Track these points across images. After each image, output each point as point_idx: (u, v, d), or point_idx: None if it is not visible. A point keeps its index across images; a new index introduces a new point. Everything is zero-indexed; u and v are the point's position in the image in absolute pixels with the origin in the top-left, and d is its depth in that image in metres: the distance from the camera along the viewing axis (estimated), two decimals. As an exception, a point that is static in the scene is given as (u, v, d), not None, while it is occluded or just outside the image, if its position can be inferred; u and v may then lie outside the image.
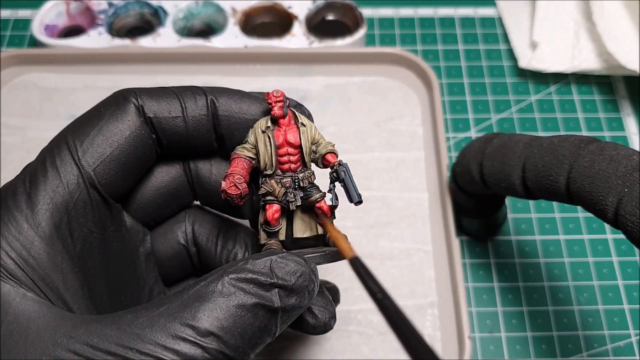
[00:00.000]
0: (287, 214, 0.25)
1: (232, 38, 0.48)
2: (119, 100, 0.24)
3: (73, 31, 0.50)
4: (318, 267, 0.23)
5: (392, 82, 0.46)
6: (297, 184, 0.24)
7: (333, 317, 0.25)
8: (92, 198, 0.22)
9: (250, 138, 0.24)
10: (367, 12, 0.52)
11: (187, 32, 0.50)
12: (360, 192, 0.24)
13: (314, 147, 0.25)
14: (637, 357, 0.37)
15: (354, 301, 0.38)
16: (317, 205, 0.24)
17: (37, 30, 0.48)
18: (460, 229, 0.41)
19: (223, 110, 0.24)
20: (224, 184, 0.23)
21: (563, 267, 0.40)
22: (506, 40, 0.51)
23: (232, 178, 0.23)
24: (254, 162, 0.24)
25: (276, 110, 0.23)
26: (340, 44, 0.47)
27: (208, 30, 0.51)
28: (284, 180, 0.24)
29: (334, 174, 0.24)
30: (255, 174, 0.25)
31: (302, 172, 0.24)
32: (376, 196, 0.41)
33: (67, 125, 0.24)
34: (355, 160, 0.43)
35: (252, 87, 0.46)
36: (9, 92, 0.46)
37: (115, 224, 0.24)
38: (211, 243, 0.27)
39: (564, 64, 0.47)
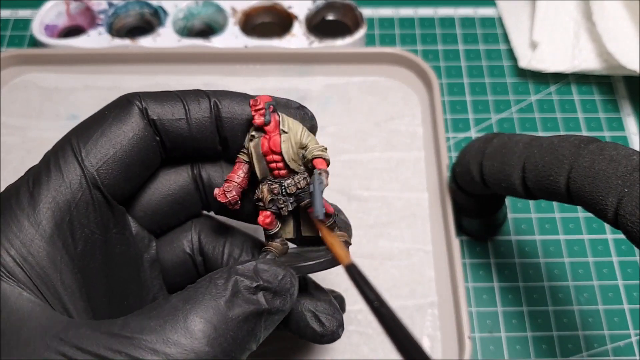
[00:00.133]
0: (294, 212, 0.25)
1: (232, 38, 0.48)
2: (123, 104, 0.24)
3: (73, 31, 0.50)
4: (320, 272, 0.23)
5: (392, 82, 0.46)
6: (284, 190, 0.24)
7: (341, 325, 0.25)
8: (95, 198, 0.22)
9: (245, 143, 0.25)
10: (367, 12, 0.52)
11: (187, 32, 0.50)
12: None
13: (302, 152, 0.24)
14: (637, 357, 0.37)
15: (354, 301, 0.38)
16: (309, 210, 0.24)
17: (37, 30, 0.48)
18: (460, 229, 0.41)
19: (226, 112, 0.24)
20: (216, 191, 0.24)
21: (563, 267, 0.40)
22: (506, 40, 0.51)
23: (224, 185, 0.24)
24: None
25: (256, 119, 0.23)
26: (340, 44, 0.47)
27: (208, 30, 0.51)
28: (273, 186, 0.24)
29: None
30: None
31: (289, 179, 0.24)
32: (376, 196, 0.41)
33: (72, 129, 0.24)
34: (355, 160, 0.43)
35: (252, 87, 0.46)
36: (9, 92, 0.46)
37: (118, 227, 0.24)
38: (217, 252, 0.27)
39: (564, 64, 0.47)
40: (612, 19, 0.46)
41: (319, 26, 0.50)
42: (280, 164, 0.24)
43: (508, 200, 0.42)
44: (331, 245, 0.22)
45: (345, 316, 0.37)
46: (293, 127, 0.23)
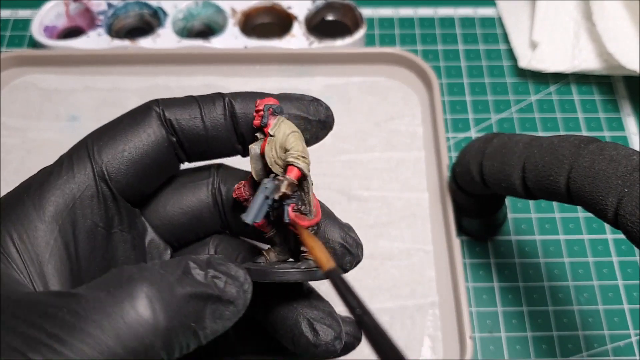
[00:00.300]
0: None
1: (231, 39, 0.48)
2: (142, 108, 0.24)
3: (72, 32, 0.50)
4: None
5: (392, 82, 0.46)
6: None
7: (338, 338, 0.23)
8: (100, 191, 0.23)
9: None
10: (366, 12, 0.52)
11: (186, 32, 0.50)
12: (256, 217, 0.22)
13: (284, 156, 0.23)
14: (637, 357, 0.37)
15: (354, 301, 0.38)
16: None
17: (36, 31, 0.48)
18: (460, 229, 0.41)
19: (240, 109, 0.24)
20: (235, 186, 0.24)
21: (563, 267, 0.40)
22: (506, 40, 0.51)
23: (240, 183, 0.24)
24: None
25: (255, 121, 0.23)
26: (340, 44, 0.47)
27: (208, 31, 0.51)
28: None
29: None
30: None
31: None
32: (376, 196, 0.41)
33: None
34: (355, 160, 0.43)
35: (252, 87, 0.46)
36: (9, 93, 0.46)
37: (124, 225, 0.24)
38: None
39: (564, 64, 0.47)
40: (612, 19, 0.46)
41: (318, 26, 0.50)
42: (268, 167, 0.23)
43: (508, 200, 0.42)
44: (311, 248, 0.21)
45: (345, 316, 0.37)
46: (282, 131, 0.23)
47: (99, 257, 0.23)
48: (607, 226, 0.42)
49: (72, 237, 0.22)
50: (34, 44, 0.49)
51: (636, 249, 0.40)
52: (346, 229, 0.24)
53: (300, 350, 0.23)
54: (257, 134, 0.24)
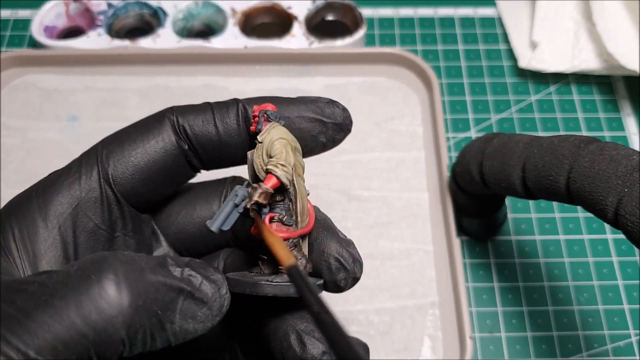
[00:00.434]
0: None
1: (231, 39, 0.48)
2: (156, 116, 0.24)
3: (72, 32, 0.50)
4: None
5: (392, 82, 0.46)
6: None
7: (327, 352, 0.22)
8: (105, 195, 0.23)
9: None
10: (366, 12, 0.52)
11: (186, 32, 0.50)
12: (222, 225, 0.21)
13: (267, 162, 0.23)
14: (637, 357, 0.37)
15: (356, 301, 0.38)
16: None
17: (36, 31, 0.48)
18: (460, 229, 0.41)
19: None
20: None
21: (563, 267, 0.40)
22: (506, 40, 0.51)
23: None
24: None
25: (252, 127, 0.23)
26: (340, 44, 0.47)
27: (208, 31, 0.51)
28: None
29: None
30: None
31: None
32: (376, 196, 0.41)
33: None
34: (355, 160, 0.43)
35: (252, 87, 0.46)
36: (9, 93, 0.46)
37: (128, 229, 0.24)
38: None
39: (564, 64, 0.47)
40: (612, 19, 0.46)
41: (318, 26, 0.50)
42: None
43: (508, 200, 0.42)
44: (271, 245, 0.21)
45: (346, 317, 0.37)
46: (269, 137, 0.22)
47: None
48: (607, 226, 0.42)
49: (72, 237, 0.22)
50: (34, 44, 0.49)
51: (636, 249, 0.40)
52: (345, 243, 0.23)
53: None
54: (256, 140, 0.24)
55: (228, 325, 0.25)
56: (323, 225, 0.23)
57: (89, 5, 0.50)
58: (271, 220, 0.22)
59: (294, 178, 0.22)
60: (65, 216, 0.22)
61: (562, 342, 0.37)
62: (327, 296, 0.25)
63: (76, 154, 0.24)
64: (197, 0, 0.50)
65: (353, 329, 0.37)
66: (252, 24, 0.51)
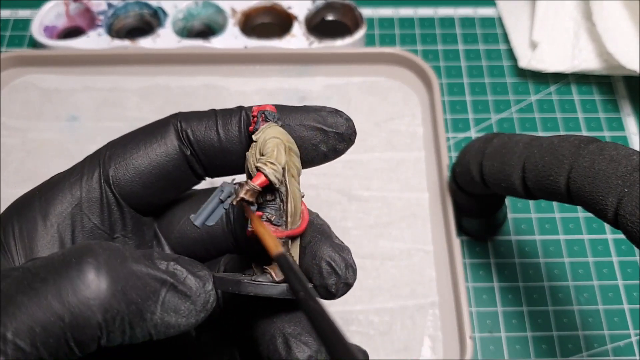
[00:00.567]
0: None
1: (231, 39, 0.48)
2: (161, 122, 0.24)
3: (72, 32, 0.50)
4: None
5: (392, 82, 0.46)
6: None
7: (313, 357, 0.21)
8: (105, 196, 0.23)
9: None
10: (367, 12, 0.52)
11: (186, 32, 0.50)
12: (205, 220, 0.21)
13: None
14: (637, 357, 0.37)
15: (355, 301, 0.38)
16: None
17: (36, 31, 0.48)
18: (460, 229, 0.41)
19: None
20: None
21: (563, 267, 0.40)
22: (506, 40, 0.51)
23: None
24: None
25: (250, 127, 0.23)
26: (340, 44, 0.47)
27: (208, 31, 0.51)
28: None
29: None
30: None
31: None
32: (376, 196, 0.41)
33: None
34: (355, 160, 0.43)
35: (252, 87, 0.46)
36: (9, 93, 0.46)
37: (127, 231, 0.24)
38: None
39: (564, 64, 0.47)
40: (612, 19, 0.46)
41: (318, 26, 0.50)
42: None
43: (508, 200, 0.42)
44: (261, 235, 0.21)
45: (346, 317, 0.37)
46: (263, 136, 0.22)
47: None
48: (607, 226, 0.42)
49: (70, 236, 0.22)
50: (34, 44, 0.49)
51: (636, 249, 0.40)
52: (338, 248, 0.22)
53: None
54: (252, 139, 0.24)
55: (228, 330, 0.25)
56: (318, 230, 0.23)
57: (89, 5, 0.50)
58: (254, 228, 0.21)
59: (286, 178, 0.22)
60: (64, 215, 0.22)
61: (562, 342, 0.37)
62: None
63: (76, 153, 0.24)
64: (197, 0, 0.50)
65: (353, 329, 0.37)
66: (252, 24, 0.51)
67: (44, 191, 0.23)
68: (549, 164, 0.29)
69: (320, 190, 0.42)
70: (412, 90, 0.46)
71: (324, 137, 0.23)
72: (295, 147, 0.23)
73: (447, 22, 0.52)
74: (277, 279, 0.21)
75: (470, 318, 0.37)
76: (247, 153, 0.23)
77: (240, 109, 0.24)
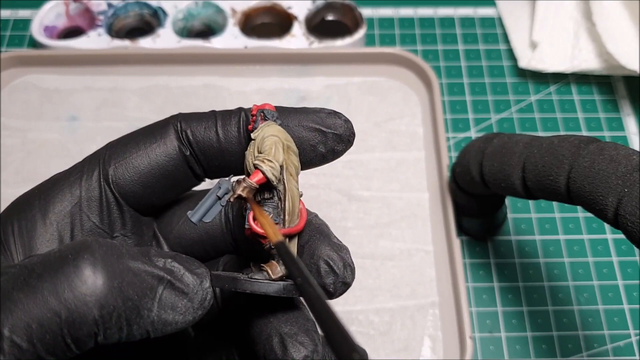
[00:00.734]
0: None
1: (231, 39, 0.48)
2: (161, 123, 0.24)
3: (72, 32, 0.50)
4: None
5: (392, 82, 0.46)
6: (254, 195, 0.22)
7: (309, 357, 0.21)
8: (104, 195, 0.23)
9: None
10: (366, 12, 0.52)
11: (186, 32, 0.50)
12: (201, 217, 0.21)
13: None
14: (637, 357, 0.37)
15: (355, 301, 0.38)
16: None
17: (36, 31, 0.48)
18: (460, 229, 0.41)
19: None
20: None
21: (563, 267, 0.40)
22: (506, 40, 0.51)
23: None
24: None
25: (249, 126, 0.23)
26: (340, 44, 0.47)
27: (208, 31, 0.51)
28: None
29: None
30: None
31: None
32: (376, 196, 0.41)
33: None
34: (355, 160, 0.43)
35: (252, 87, 0.46)
36: (9, 93, 0.46)
37: (127, 230, 0.24)
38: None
39: (563, 64, 0.47)
40: (612, 19, 0.46)
41: (318, 26, 0.50)
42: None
43: (508, 200, 0.42)
44: (262, 223, 0.21)
45: (346, 317, 0.37)
46: (262, 134, 0.22)
47: None
48: (607, 226, 0.42)
49: (69, 235, 0.22)
50: (34, 44, 0.49)
51: (636, 249, 0.40)
52: (337, 248, 0.22)
53: None
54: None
55: (226, 330, 0.25)
56: (317, 229, 0.23)
57: (89, 5, 0.50)
58: (254, 216, 0.21)
59: (284, 176, 0.22)
60: (64, 214, 0.22)
61: (562, 342, 0.37)
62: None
63: (76, 154, 0.24)
64: (197, 0, 0.50)
65: (353, 329, 0.37)
66: (252, 24, 0.51)
67: (44, 190, 0.23)
68: (549, 164, 0.29)
69: (320, 190, 0.42)
70: (412, 90, 0.46)
71: (323, 138, 0.23)
72: (293, 146, 0.23)
73: (447, 22, 0.52)
74: (273, 277, 0.21)
75: (470, 318, 0.37)
76: (245, 152, 0.23)
77: (239, 110, 0.24)
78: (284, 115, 0.24)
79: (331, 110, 0.24)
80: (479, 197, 0.37)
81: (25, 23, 0.52)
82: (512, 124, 0.46)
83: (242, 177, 0.21)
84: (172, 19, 0.49)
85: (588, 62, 0.47)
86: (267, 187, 0.21)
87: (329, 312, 0.16)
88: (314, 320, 0.18)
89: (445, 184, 0.40)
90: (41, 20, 0.49)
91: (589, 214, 0.37)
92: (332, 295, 0.22)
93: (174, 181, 0.24)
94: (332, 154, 0.24)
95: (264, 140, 0.22)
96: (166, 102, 0.45)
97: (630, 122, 0.46)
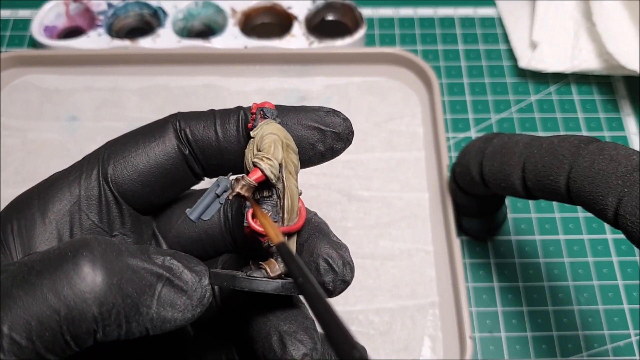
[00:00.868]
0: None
1: (231, 39, 0.48)
2: (160, 122, 0.24)
3: (72, 32, 0.50)
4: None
5: (392, 82, 0.46)
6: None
7: (308, 355, 0.21)
8: (103, 194, 0.23)
9: None
10: (366, 12, 0.52)
11: (186, 32, 0.50)
12: (200, 215, 0.21)
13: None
14: (637, 357, 0.37)
15: (355, 301, 0.38)
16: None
17: (36, 31, 0.48)
18: (460, 229, 0.41)
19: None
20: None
21: (563, 267, 0.40)
22: (506, 40, 0.51)
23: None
24: None
25: (249, 124, 0.23)
26: (340, 44, 0.47)
27: (208, 31, 0.51)
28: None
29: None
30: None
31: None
32: (376, 196, 0.41)
33: None
34: (355, 160, 0.43)
35: (252, 87, 0.46)
36: (9, 93, 0.46)
37: (126, 229, 0.24)
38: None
39: (563, 64, 0.47)
40: (612, 19, 0.46)
41: (318, 26, 0.50)
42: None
43: (508, 200, 0.42)
44: (262, 223, 0.21)
45: (346, 317, 0.37)
46: (261, 132, 0.22)
47: None
48: (607, 226, 0.42)
49: (68, 234, 0.22)
50: (34, 44, 0.49)
51: (636, 249, 0.40)
52: (336, 246, 0.22)
53: None
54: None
55: (226, 329, 0.25)
56: (316, 228, 0.23)
57: (89, 5, 0.50)
58: (254, 215, 0.21)
59: (283, 174, 0.22)
60: (63, 213, 0.22)
61: (562, 342, 0.37)
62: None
63: (76, 153, 0.24)
64: (197, 0, 0.50)
65: (353, 329, 0.37)
66: (252, 24, 0.51)
67: (43, 189, 0.23)
68: (549, 164, 0.29)
69: (320, 190, 0.42)
70: (412, 90, 0.46)
71: (322, 136, 0.24)
72: (293, 144, 0.23)
73: (447, 22, 0.52)
74: (272, 275, 0.21)
75: (470, 318, 0.37)
76: (245, 150, 0.23)
77: (238, 109, 0.24)
78: (283, 113, 0.24)
79: (330, 108, 0.24)
80: (479, 197, 0.37)
81: (25, 23, 0.52)
82: (512, 124, 0.46)
83: (241, 175, 0.21)
84: (172, 19, 0.49)
85: (588, 62, 0.47)
86: (266, 185, 0.21)
87: (329, 309, 0.16)
88: (314, 318, 0.18)
89: (445, 184, 0.40)
90: (41, 20, 0.49)
91: (589, 214, 0.37)
92: (332, 293, 0.22)
93: (172, 180, 0.24)
94: (330, 153, 0.24)
95: (263, 138, 0.22)
96: (166, 102, 0.45)
97: (630, 122, 0.46)
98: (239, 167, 0.24)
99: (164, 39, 0.48)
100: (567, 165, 0.28)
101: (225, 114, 0.24)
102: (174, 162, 0.24)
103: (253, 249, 0.24)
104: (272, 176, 0.21)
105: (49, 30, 0.49)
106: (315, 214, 0.24)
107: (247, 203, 0.21)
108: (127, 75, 0.47)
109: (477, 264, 0.40)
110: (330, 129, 0.24)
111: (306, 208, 0.23)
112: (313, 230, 0.23)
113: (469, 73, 0.49)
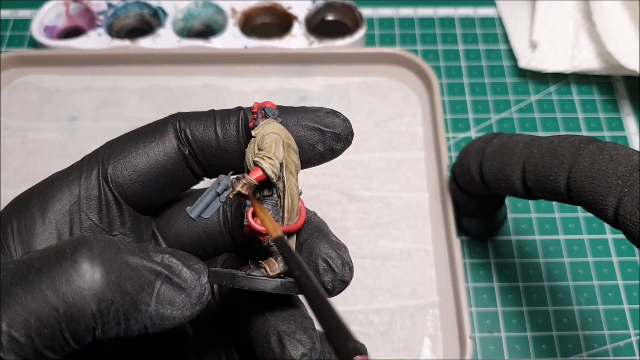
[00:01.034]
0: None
1: (231, 39, 0.48)
2: (160, 122, 0.24)
3: (72, 32, 0.50)
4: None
5: (392, 82, 0.46)
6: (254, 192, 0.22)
7: (307, 355, 0.21)
8: (103, 193, 0.23)
9: None
10: (366, 12, 0.52)
11: (186, 32, 0.50)
12: (200, 212, 0.21)
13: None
14: (637, 357, 0.37)
15: (355, 301, 0.38)
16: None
17: (36, 31, 0.48)
18: (460, 229, 0.41)
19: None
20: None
21: (563, 267, 0.40)
22: (506, 40, 0.51)
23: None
24: None
25: (250, 123, 0.23)
26: (340, 44, 0.47)
27: (208, 31, 0.51)
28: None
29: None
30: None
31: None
32: (376, 196, 0.41)
33: None
34: (355, 160, 0.43)
35: (252, 87, 0.46)
36: (9, 93, 0.46)
37: (126, 228, 0.24)
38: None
39: (563, 64, 0.47)
40: (612, 19, 0.46)
41: (318, 26, 0.50)
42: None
43: (508, 200, 0.42)
44: (263, 220, 0.21)
45: (346, 317, 0.37)
46: (262, 131, 0.22)
47: None
48: (607, 226, 0.42)
49: (68, 234, 0.22)
50: (34, 44, 0.49)
51: (636, 249, 0.40)
52: (336, 246, 0.22)
53: None
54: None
55: (225, 328, 0.25)
56: (316, 227, 0.23)
57: (89, 5, 0.50)
58: (254, 214, 0.21)
59: (284, 174, 0.22)
60: (63, 212, 0.22)
61: (562, 342, 0.37)
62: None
63: (76, 154, 0.24)
64: (197, 0, 0.50)
65: (353, 329, 0.37)
66: (252, 24, 0.51)
67: (43, 189, 0.23)
68: (549, 164, 0.29)
69: (320, 190, 0.42)
70: (412, 90, 0.46)
71: (321, 137, 0.24)
72: (294, 144, 0.23)
73: (447, 22, 0.52)
74: (271, 274, 0.21)
75: (470, 318, 0.37)
76: (245, 149, 0.23)
77: (238, 109, 0.24)
78: (283, 114, 0.24)
79: (330, 109, 0.24)
80: (479, 197, 0.37)
81: (25, 23, 0.52)
82: (512, 124, 0.46)
83: (242, 174, 0.21)
84: (172, 19, 0.49)
85: (588, 62, 0.47)
86: (266, 185, 0.21)
87: (328, 307, 0.16)
88: (313, 317, 0.18)
89: (445, 184, 0.40)
90: (41, 20, 0.49)
91: (589, 214, 0.37)
92: (331, 293, 0.22)
93: (172, 180, 0.24)
94: (330, 153, 0.24)
95: (264, 137, 0.22)
96: (166, 102, 0.45)
97: (630, 122, 0.46)
98: (239, 167, 0.24)
99: (164, 39, 0.48)
100: (567, 165, 0.28)
101: (225, 114, 0.24)
102: (174, 162, 0.24)
103: (252, 249, 0.24)
104: (272, 175, 0.21)
105: (49, 30, 0.49)
106: (315, 214, 0.24)
107: (247, 202, 0.21)
108: (127, 75, 0.47)
109: (477, 264, 0.40)
110: (330, 130, 0.24)
111: (306, 208, 0.23)
112: (312, 230, 0.23)
113: (469, 73, 0.49)
